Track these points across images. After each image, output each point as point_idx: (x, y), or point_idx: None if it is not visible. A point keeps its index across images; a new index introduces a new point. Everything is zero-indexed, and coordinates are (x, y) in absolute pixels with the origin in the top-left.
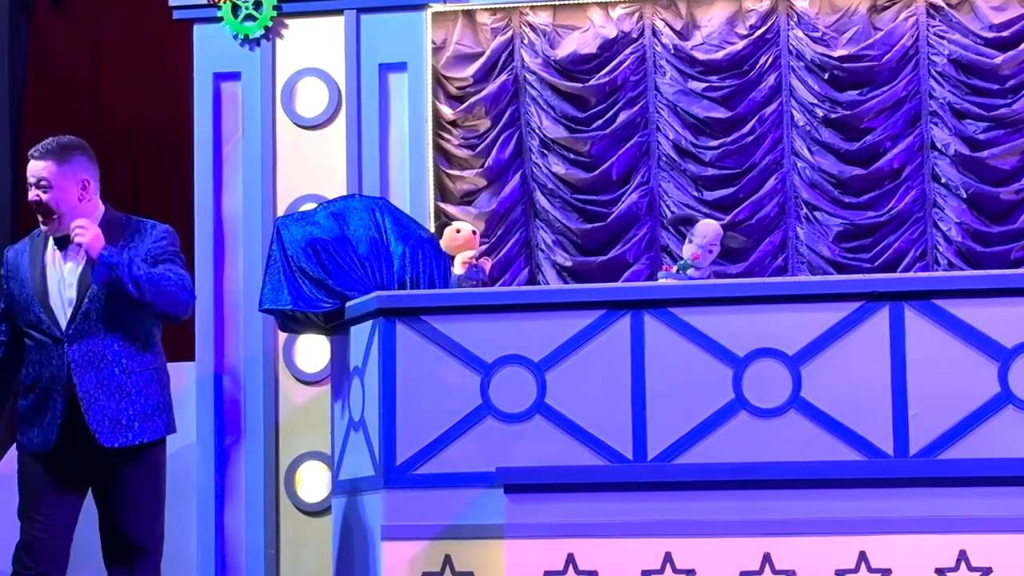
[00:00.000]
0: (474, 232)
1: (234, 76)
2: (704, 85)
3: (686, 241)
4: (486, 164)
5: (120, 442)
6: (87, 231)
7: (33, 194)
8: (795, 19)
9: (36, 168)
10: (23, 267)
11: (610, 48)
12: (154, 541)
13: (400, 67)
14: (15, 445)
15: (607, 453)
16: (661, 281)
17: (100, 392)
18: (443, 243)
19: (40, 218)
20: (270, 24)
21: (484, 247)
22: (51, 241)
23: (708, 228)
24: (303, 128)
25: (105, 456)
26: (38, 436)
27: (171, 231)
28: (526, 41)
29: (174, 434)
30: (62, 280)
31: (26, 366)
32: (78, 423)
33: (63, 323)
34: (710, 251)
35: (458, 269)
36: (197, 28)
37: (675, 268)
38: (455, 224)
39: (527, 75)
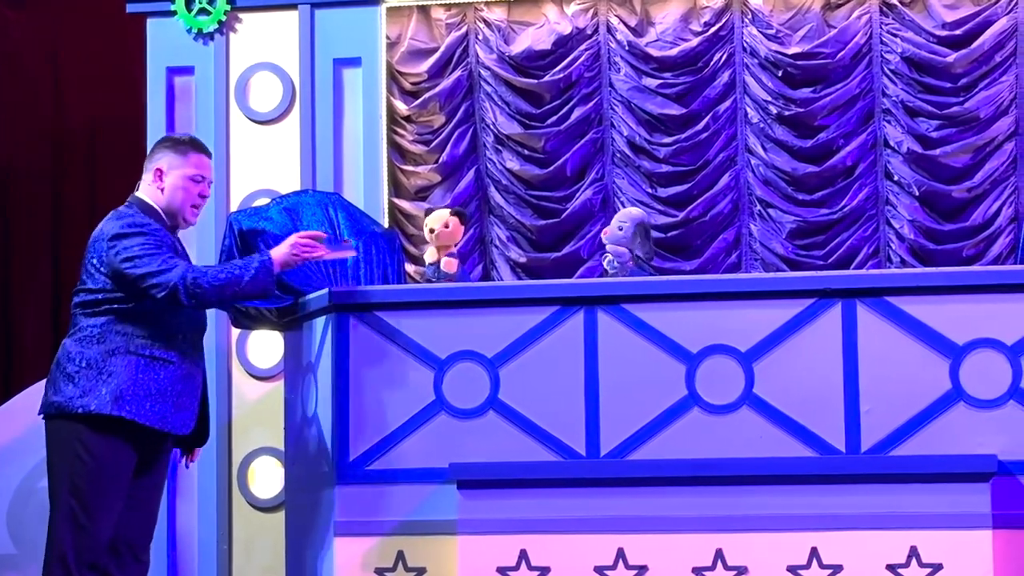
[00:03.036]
0: (432, 230)
1: (187, 70)
2: (658, 82)
3: None
4: (440, 160)
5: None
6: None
7: (208, 190)
8: (749, 16)
9: (209, 164)
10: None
11: (565, 44)
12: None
13: (354, 62)
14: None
15: (560, 449)
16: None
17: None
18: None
19: (197, 210)
20: (224, 18)
21: None
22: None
23: (625, 209)
24: (257, 123)
25: (165, 451)
26: (186, 416)
27: None
28: (481, 37)
29: None
30: None
31: (168, 340)
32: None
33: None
34: (619, 229)
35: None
36: (150, 22)
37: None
38: (428, 220)
39: (482, 71)
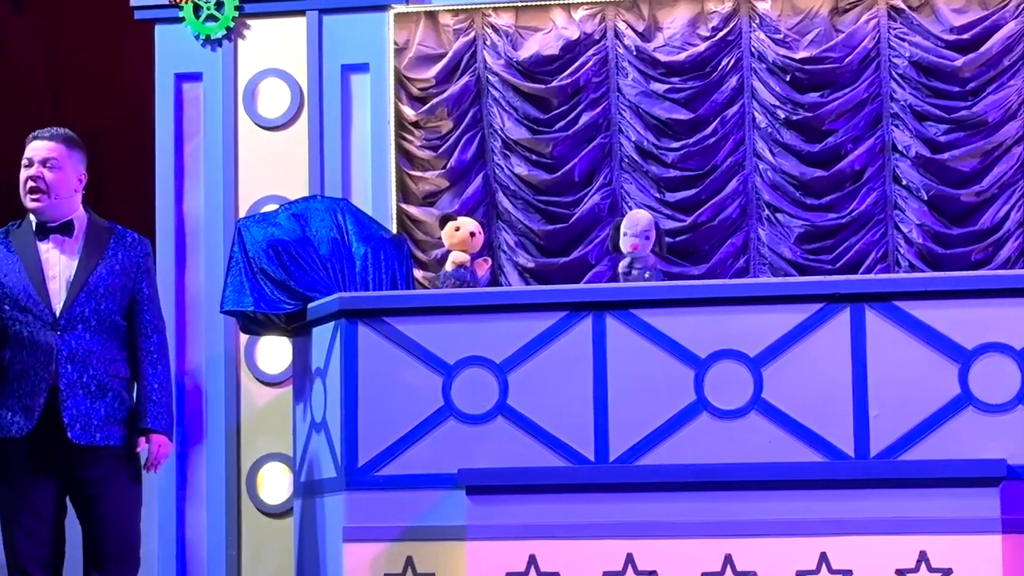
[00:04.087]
0: (472, 234)
1: (196, 77)
2: (666, 87)
3: (621, 236)
4: (448, 165)
5: (87, 440)
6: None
7: (36, 171)
8: (757, 21)
9: (45, 147)
10: (3, 252)
11: (572, 49)
12: (128, 547)
13: (362, 68)
14: None
15: (569, 454)
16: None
17: (78, 387)
18: (443, 237)
19: (30, 195)
20: (232, 25)
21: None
22: (34, 227)
23: (639, 216)
24: (265, 129)
25: (74, 455)
26: (19, 419)
27: (150, 245)
28: (488, 42)
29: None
30: (59, 267)
31: (6, 344)
32: (53, 414)
33: (57, 309)
34: (647, 238)
35: (448, 266)
36: (159, 28)
37: (620, 267)
38: (457, 221)
39: (489, 76)
